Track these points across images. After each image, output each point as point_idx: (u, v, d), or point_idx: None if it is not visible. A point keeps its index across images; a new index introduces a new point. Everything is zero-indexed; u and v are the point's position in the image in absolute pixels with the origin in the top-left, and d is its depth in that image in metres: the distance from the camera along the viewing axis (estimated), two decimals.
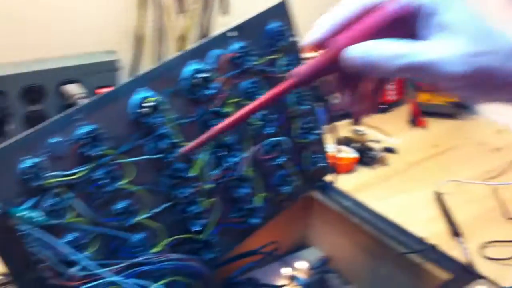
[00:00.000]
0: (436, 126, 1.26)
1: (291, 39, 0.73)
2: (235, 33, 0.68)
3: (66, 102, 0.94)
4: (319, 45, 0.46)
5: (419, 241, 0.71)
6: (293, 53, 0.73)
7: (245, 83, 0.69)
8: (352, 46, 0.42)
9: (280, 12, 0.72)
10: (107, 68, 0.99)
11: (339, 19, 0.45)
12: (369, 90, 0.50)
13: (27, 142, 0.54)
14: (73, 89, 0.95)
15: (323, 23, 0.45)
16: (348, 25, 0.45)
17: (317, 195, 0.80)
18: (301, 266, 0.78)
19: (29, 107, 0.94)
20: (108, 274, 0.56)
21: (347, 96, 0.49)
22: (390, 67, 0.41)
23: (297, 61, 0.73)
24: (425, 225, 0.81)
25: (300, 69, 0.46)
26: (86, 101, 0.58)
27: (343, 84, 0.49)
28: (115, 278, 0.56)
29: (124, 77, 1.14)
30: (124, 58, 1.18)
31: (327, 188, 0.80)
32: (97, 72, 0.96)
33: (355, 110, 0.49)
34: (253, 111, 0.50)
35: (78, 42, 1.10)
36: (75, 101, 0.89)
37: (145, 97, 0.60)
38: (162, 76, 0.62)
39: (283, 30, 0.72)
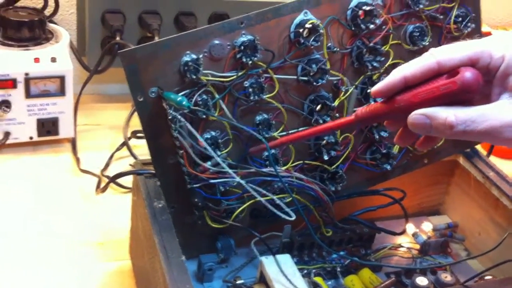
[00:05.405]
0: None
1: None
2: None
3: None
4: (384, 95, 0.48)
5: None
6: (469, 4, 0.69)
7: (410, 27, 0.67)
8: (417, 111, 0.45)
9: None
10: None
11: (410, 75, 0.46)
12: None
13: (193, 38, 0.58)
14: None
15: (394, 76, 0.47)
16: (418, 80, 0.46)
17: (462, 160, 0.76)
18: (425, 227, 0.76)
19: None
20: (235, 176, 0.60)
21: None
22: (452, 134, 0.44)
23: (470, 15, 0.69)
24: None
25: (361, 111, 0.51)
26: (253, 12, 0.61)
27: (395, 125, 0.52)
28: (241, 181, 0.60)
29: None
30: None
31: (474, 155, 0.75)
32: None
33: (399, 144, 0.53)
34: (313, 134, 0.61)
35: None
36: None
37: (308, 19, 0.61)
38: (326, 2, 0.63)
39: None
